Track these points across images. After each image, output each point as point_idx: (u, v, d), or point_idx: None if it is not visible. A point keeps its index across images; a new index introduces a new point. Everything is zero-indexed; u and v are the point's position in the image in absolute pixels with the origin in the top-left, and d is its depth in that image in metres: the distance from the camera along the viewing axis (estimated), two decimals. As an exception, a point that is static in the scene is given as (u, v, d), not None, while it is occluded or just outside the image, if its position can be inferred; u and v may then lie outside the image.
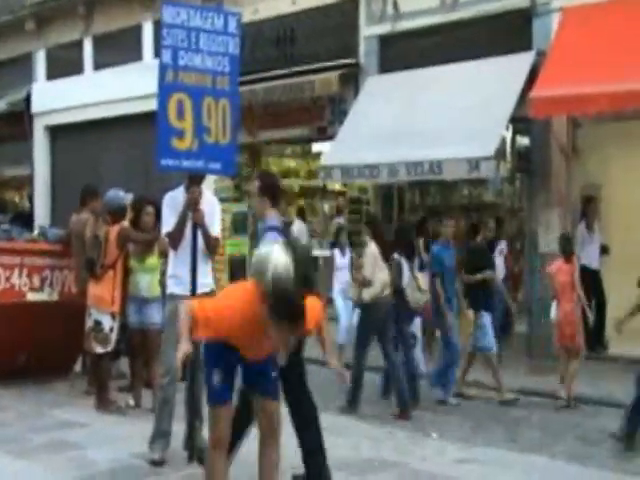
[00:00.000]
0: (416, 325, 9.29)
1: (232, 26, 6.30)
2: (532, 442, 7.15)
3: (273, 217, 5.65)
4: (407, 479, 5.94)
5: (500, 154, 10.84)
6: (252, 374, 4.66)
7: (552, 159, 10.93)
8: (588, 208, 10.80)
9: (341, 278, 10.62)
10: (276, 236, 5.26)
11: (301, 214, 14.62)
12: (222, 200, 14.03)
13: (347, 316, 10.56)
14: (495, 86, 10.93)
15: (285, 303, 4.00)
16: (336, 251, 11.09)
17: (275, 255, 4.12)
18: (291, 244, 4.30)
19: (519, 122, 11.10)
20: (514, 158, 11.78)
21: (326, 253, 14.51)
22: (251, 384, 4.70)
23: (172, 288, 6.31)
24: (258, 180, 5.82)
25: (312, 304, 4.31)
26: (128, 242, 7.89)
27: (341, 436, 7.07)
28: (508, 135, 11.51)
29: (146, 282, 7.99)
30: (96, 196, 8.70)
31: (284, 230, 5.72)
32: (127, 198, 8.11)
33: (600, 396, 8.68)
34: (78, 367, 9.45)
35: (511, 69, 10.99)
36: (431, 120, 11.21)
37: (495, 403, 8.72)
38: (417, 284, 8.67)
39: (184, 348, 4.30)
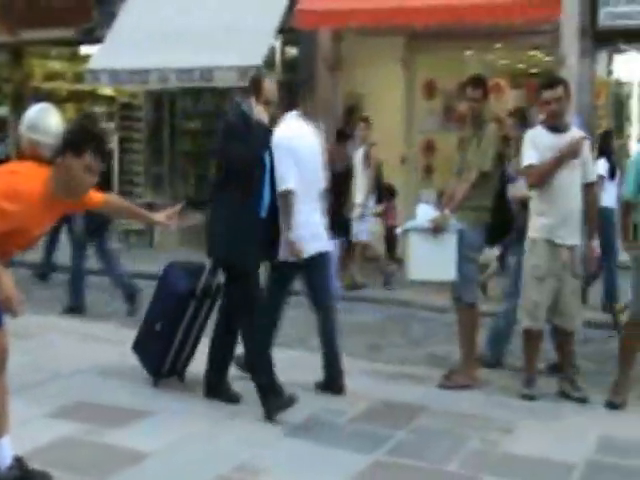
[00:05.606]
0: None
1: None
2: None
3: None
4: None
5: (269, 63, 11.06)
6: None
7: (318, 70, 11.31)
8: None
9: None
10: None
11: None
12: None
13: None
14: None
15: (86, 130, 3.96)
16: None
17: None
18: None
19: (288, 33, 11.33)
20: (283, 68, 12.04)
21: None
22: None
23: None
24: None
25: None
26: None
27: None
28: (277, 45, 11.75)
29: None
30: None
31: None
32: None
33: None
34: None
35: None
36: (203, 25, 11.16)
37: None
38: None
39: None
